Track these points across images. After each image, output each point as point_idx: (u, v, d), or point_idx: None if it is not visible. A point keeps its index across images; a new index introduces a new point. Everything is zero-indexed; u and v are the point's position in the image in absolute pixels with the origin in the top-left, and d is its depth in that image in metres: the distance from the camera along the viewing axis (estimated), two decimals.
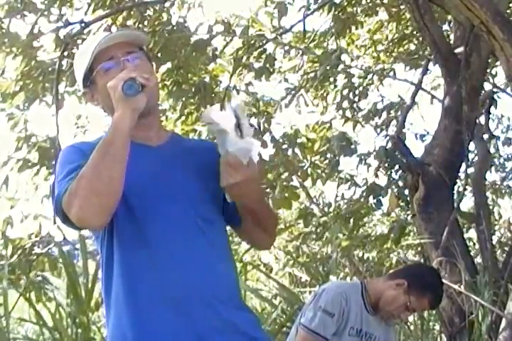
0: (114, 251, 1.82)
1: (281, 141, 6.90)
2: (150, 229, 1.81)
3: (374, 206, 6.54)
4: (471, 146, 5.91)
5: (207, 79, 6.72)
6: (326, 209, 7.30)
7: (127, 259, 1.80)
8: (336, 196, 7.15)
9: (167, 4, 6.46)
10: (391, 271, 4.06)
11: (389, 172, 6.26)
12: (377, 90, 7.97)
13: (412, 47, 7.94)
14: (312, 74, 7.39)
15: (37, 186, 6.45)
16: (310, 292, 5.10)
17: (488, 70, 6.74)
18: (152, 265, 1.79)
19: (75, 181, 1.72)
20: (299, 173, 6.93)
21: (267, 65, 6.67)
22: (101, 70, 1.88)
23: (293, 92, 7.55)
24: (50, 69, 5.85)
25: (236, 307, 1.87)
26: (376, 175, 6.46)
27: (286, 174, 6.74)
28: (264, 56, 6.68)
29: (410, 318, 5.08)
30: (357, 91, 7.58)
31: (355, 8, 7.28)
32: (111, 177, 1.71)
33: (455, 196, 5.63)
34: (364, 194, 6.60)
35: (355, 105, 7.68)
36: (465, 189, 5.83)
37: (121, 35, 1.93)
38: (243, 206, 1.91)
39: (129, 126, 1.75)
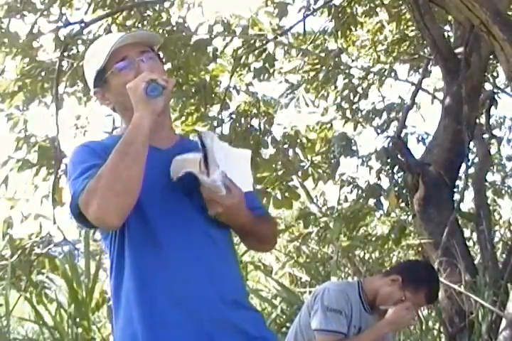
0: (125, 251, 1.84)
1: (282, 141, 6.90)
2: (160, 231, 1.84)
3: (374, 206, 6.53)
4: (471, 146, 5.90)
5: (207, 80, 6.72)
6: (328, 211, 7.29)
7: (138, 260, 1.83)
8: (339, 199, 7.14)
9: (167, 4, 6.47)
10: (386, 269, 4.06)
11: (391, 174, 6.25)
12: (378, 91, 7.98)
13: (412, 47, 7.94)
14: (312, 74, 7.39)
15: (36, 186, 6.44)
16: (310, 292, 5.09)
17: (489, 71, 6.73)
18: (162, 266, 1.82)
19: (93, 180, 1.73)
20: (300, 173, 6.93)
21: (267, 65, 6.67)
22: (115, 70, 1.90)
23: (293, 90, 7.53)
24: (49, 69, 5.85)
25: (240, 306, 1.90)
26: (379, 178, 6.45)
27: (281, 172, 6.71)
28: (263, 55, 6.67)
29: None
30: (357, 92, 7.58)
31: (355, 9, 7.28)
32: (130, 177, 1.73)
33: (455, 196, 5.63)
34: (364, 194, 6.60)
35: (355, 106, 7.68)
36: (465, 189, 5.82)
37: (136, 36, 1.95)
38: (235, 227, 1.95)
39: (148, 127, 1.78)
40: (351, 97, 7.61)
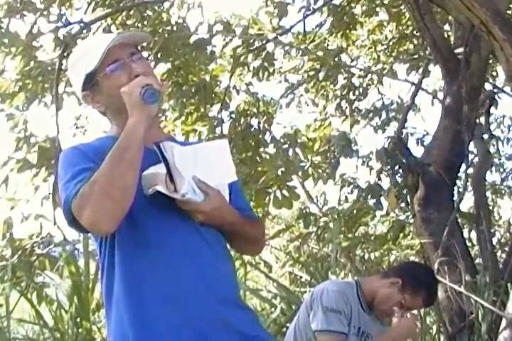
0: (115, 252, 1.84)
1: (281, 141, 6.90)
2: (149, 231, 1.83)
3: (374, 206, 6.53)
4: (471, 146, 5.90)
5: (207, 80, 6.72)
6: (328, 212, 7.28)
7: (128, 261, 1.82)
8: (339, 200, 7.14)
9: (167, 4, 6.47)
10: (385, 270, 4.05)
11: (391, 174, 6.24)
12: (378, 91, 7.98)
13: (412, 47, 7.94)
14: (312, 73, 7.39)
15: (36, 187, 6.43)
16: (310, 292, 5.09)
17: (489, 71, 6.73)
18: (152, 266, 1.81)
19: (87, 185, 1.72)
20: (300, 173, 6.92)
21: (266, 64, 6.67)
22: (107, 73, 1.89)
23: (293, 89, 7.54)
24: (49, 69, 5.85)
25: (235, 306, 1.90)
26: (379, 178, 6.45)
27: (281, 171, 6.70)
28: (263, 54, 6.68)
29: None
30: (357, 92, 7.58)
31: (355, 9, 7.28)
32: (125, 184, 1.73)
33: (455, 196, 5.62)
34: (364, 194, 6.59)
35: (354, 105, 7.69)
36: (465, 189, 5.82)
37: (125, 38, 1.94)
38: (224, 227, 1.94)
39: (143, 132, 1.77)
40: (350, 96, 7.62)
